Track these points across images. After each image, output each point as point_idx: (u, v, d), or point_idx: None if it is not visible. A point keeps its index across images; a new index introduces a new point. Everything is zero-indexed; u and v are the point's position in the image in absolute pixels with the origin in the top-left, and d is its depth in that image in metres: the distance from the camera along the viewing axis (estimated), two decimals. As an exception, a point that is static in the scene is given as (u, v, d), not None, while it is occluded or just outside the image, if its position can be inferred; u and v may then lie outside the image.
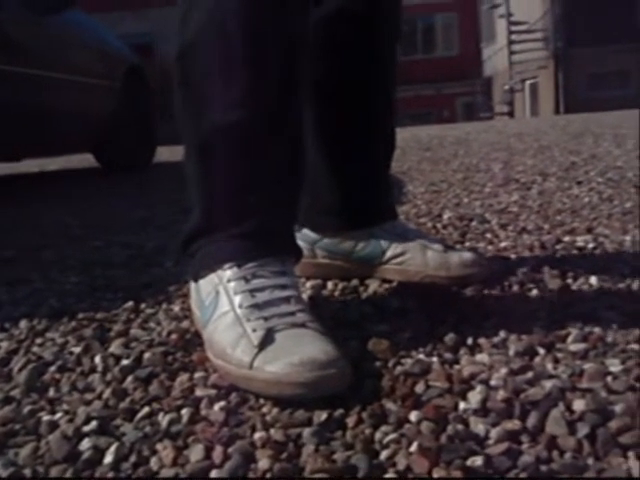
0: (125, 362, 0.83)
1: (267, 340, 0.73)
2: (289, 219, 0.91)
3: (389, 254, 1.09)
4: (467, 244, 1.39)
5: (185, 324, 0.96)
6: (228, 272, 0.81)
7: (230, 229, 0.83)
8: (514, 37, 17.93)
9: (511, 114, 18.32)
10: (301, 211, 1.06)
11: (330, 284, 1.11)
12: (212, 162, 0.85)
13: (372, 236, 1.11)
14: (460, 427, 0.62)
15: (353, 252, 1.12)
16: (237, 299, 0.78)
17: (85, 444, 0.65)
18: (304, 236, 1.14)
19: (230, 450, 0.61)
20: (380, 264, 1.10)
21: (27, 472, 0.61)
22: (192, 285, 0.89)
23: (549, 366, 0.74)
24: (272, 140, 0.85)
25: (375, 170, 1.15)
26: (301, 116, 0.89)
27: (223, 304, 0.79)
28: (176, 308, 1.05)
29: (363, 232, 1.11)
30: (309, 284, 1.12)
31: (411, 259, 1.07)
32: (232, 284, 0.79)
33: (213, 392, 0.73)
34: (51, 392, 0.78)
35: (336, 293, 1.07)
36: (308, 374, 0.68)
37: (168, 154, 4.74)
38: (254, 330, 0.74)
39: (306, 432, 0.63)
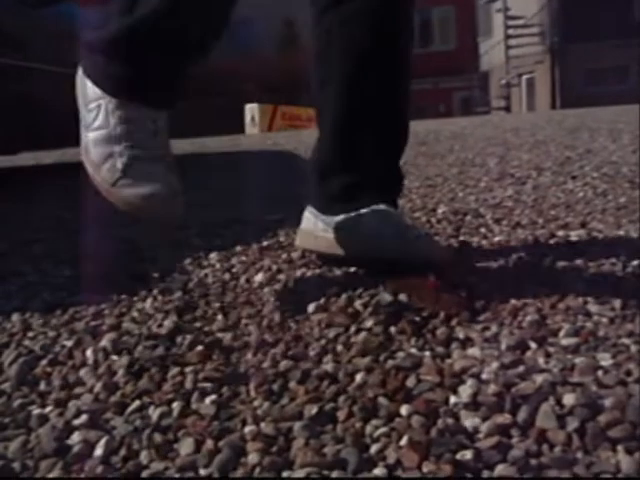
0: (116, 356, 0.83)
1: (128, 168, 0.90)
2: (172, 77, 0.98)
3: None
4: (461, 238, 1.39)
5: (176, 318, 0.96)
6: (115, 98, 0.92)
7: (129, 64, 0.92)
8: (511, 32, 17.93)
9: (507, 109, 18.33)
10: (311, 192, 1.20)
11: (324, 277, 1.11)
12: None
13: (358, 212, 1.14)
14: (450, 421, 0.62)
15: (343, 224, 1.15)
16: (113, 121, 0.92)
17: (75, 438, 0.65)
18: (311, 210, 1.20)
19: (220, 444, 0.61)
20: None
21: (16, 465, 0.61)
22: (80, 75, 0.98)
23: (540, 360, 0.74)
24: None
25: (386, 160, 1.18)
26: None
27: (101, 118, 0.93)
28: (168, 302, 1.05)
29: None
30: (302, 279, 1.12)
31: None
32: (111, 106, 0.92)
33: (204, 386, 0.73)
34: (42, 386, 0.78)
35: (329, 286, 1.07)
36: (151, 202, 0.88)
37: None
38: (120, 155, 0.91)
39: (296, 426, 0.63)
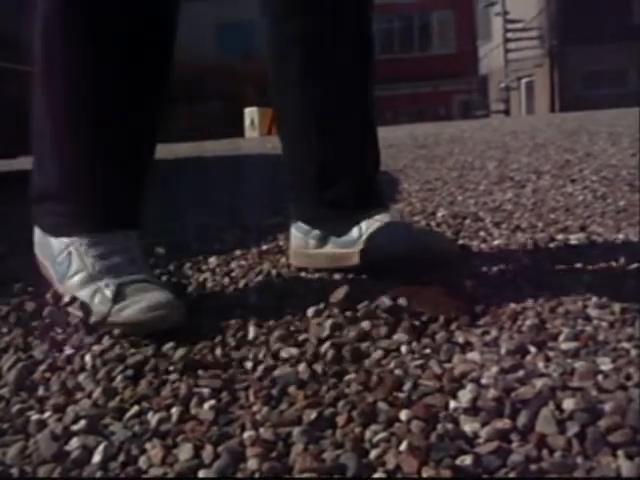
0: (115, 361, 0.82)
1: (119, 294, 0.91)
2: (130, 199, 1.04)
3: (365, 237, 1.13)
4: (460, 242, 1.39)
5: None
6: (83, 238, 0.97)
7: (81, 200, 0.99)
8: (510, 35, 17.97)
9: (507, 112, 18.35)
10: (295, 206, 1.20)
11: (323, 282, 1.11)
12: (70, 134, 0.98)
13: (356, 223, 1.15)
14: (450, 426, 0.62)
15: (340, 237, 1.15)
16: (89, 261, 0.96)
17: (73, 443, 0.64)
18: (299, 227, 1.20)
19: (219, 449, 0.61)
20: (357, 246, 1.14)
21: (15, 471, 0.61)
22: (39, 234, 1.04)
23: (540, 365, 0.74)
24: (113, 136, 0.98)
25: (362, 164, 1.18)
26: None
27: (76, 263, 0.96)
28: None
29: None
30: (301, 283, 1.12)
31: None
32: (83, 248, 0.97)
33: (203, 391, 0.72)
34: (40, 391, 0.77)
35: (328, 291, 1.07)
36: (153, 313, 0.88)
37: (161, 152, 4.73)
38: (107, 285, 0.93)
39: (295, 431, 0.63)
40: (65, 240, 0.98)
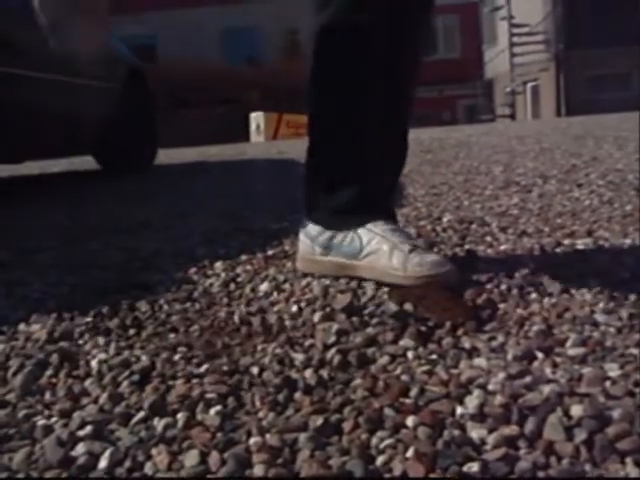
0: (121, 366, 0.82)
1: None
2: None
3: (367, 250, 1.12)
4: (467, 247, 1.38)
5: (182, 328, 0.95)
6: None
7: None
8: (515, 39, 17.94)
9: (512, 116, 18.33)
10: (307, 205, 1.22)
11: (332, 290, 1.11)
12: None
13: (355, 232, 1.15)
14: (457, 432, 0.62)
15: (341, 246, 1.16)
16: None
17: (80, 449, 0.64)
18: (306, 233, 1.21)
19: (225, 455, 0.61)
20: (360, 259, 1.13)
21: (21, 477, 0.61)
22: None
23: (547, 371, 0.73)
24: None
25: (379, 171, 1.18)
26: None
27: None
28: (172, 311, 1.05)
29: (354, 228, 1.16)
30: (307, 289, 1.11)
31: (379, 258, 1.11)
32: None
33: (209, 397, 0.72)
34: (47, 396, 0.77)
35: (336, 296, 1.06)
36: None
37: (168, 156, 4.74)
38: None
39: (302, 437, 0.63)
40: (362, 230, 1.14)
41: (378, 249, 1.11)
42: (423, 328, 0.89)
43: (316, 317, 0.95)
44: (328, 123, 1.16)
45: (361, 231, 1.14)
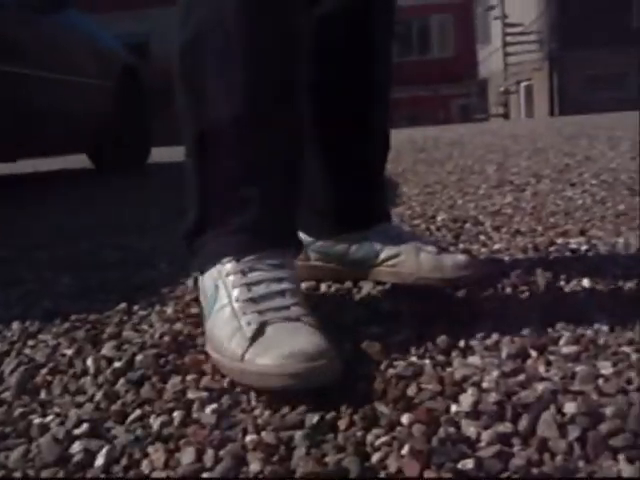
0: (117, 364, 0.83)
1: (259, 333, 0.75)
2: (288, 212, 0.91)
3: (382, 256, 1.08)
4: (461, 246, 1.39)
5: (178, 326, 0.96)
6: (227, 266, 0.83)
7: (229, 222, 0.85)
8: (509, 39, 17.99)
9: (506, 116, 18.37)
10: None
11: (323, 286, 1.11)
12: (210, 155, 0.87)
13: (365, 239, 1.10)
14: (452, 430, 0.62)
15: (347, 255, 1.11)
16: (235, 293, 0.80)
17: (76, 447, 0.64)
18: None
19: (221, 453, 0.61)
20: (373, 266, 1.09)
21: (17, 475, 0.61)
22: (199, 279, 0.91)
23: (541, 368, 0.74)
24: (269, 136, 0.86)
25: (368, 172, 1.15)
26: (301, 112, 0.91)
27: (222, 298, 0.81)
28: (169, 310, 1.05)
29: (357, 235, 1.11)
30: (303, 285, 1.12)
31: (404, 261, 1.06)
32: (230, 278, 0.82)
33: (205, 395, 0.73)
34: (42, 394, 0.77)
35: (329, 295, 1.07)
36: (297, 365, 0.69)
37: (162, 155, 4.73)
38: (248, 323, 0.76)
39: (298, 435, 0.63)
40: (212, 272, 0.85)
41: (399, 252, 1.06)
42: (417, 326, 0.89)
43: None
44: None
45: (375, 242, 1.09)
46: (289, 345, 0.71)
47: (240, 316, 0.77)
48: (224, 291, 0.81)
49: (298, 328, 0.75)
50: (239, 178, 0.86)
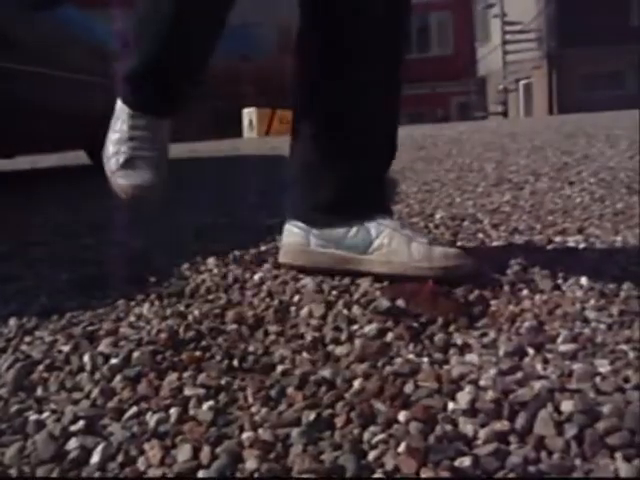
0: (114, 361, 0.82)
1: (127, 162, 1.13)
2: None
3: (377, 243, 1.11)
4: (459, 244, 1.39)
5: (175, 323, 0.95)
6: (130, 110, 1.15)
7: (147, 88, 1.13)
8: (508, 37, 17.99)
9: (505, 114, 18.37)
10: (294, 206, 1.18)
11: (322, 284, 1.11)
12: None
13: (362, 225, 1.13)
14: (449, 427, 0.62)
15: (345, 239, 1.13)
16: (124, 127, 1.15)
17: (72, 444, 0.64)
18: (296, 224, 1.18)
19: (218, 450, 0.61)
20: (367, 253, 1.11)
21: (13, 472, 0.61)
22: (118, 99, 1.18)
23: (538, 367, 0.74)
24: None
25: (369, 167, 1.16)
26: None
27: (119, 126, 1.16)
28: (166, 307, 1.05)
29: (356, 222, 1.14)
30: (300, 284, 1.12)
31: (396, 250, 1.09)
32: (126, 116, 1.15)
33: (202, 391, 0.73)
34: (39, 391, 0.77)
35: (327, 293, 1.07)
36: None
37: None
38: (124, 153, 1.14)
39: (294, 432, 0.63)
40: (124, 107, 1.16)
41: (391, 242, 1.09)
42: (415, 324, 0.89)
43: (309, 313, 0.96)
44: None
45: (369, 224, 1.12)
46: (138, 177, 1.15)
47: (122, 144, 1.16)
48: (121, 122, 1.16)
49: (147, 167, 1.15)
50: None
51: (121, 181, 1.13)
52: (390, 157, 1.21)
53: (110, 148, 1.17)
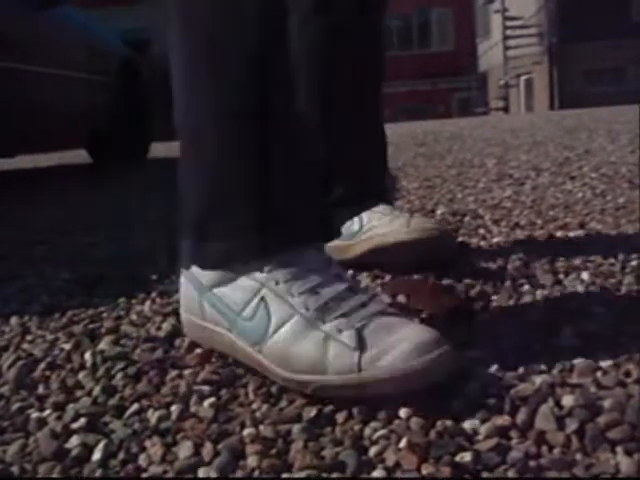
0: (115, 359, 0.82)
1: (362, 337, 0.66)
2: (309, 203, 0.79)
3: (366, 228, 1.15)
4: (460, 239, 1.39)
5: (176, 321, 0.95)
6: (273, 273, 0.71)
7: (243, 219, 0.73)
8: (509, 32, 17.96)
9: (506, 109, 18.35)
10: None
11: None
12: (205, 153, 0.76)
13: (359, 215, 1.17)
14: (449, 423, 0.62)
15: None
16: (298, 301, 0.69)
17: (73, 441, 0.64)
18: None
19: (219, 447, 0.61)
20: (357, 238, 1.15)
21: (15, 469, 0.61)
22: (188, 287, 0.79)
23: (539, 361, 0.74)
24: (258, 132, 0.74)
25: (364, 164, 1.18)
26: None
27: (277, 311, 0.70)
28: (167, 305, 1.05)
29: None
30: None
31: (380, 226, 1.14)
32: (281, 286, 0.70)
33: (203, 388, 0.73)
34: (40, 389, 0.77)
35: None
36: (426, 357, 0.63)
37: (163, 150, 4.73)
38: (340, 330, 0.67)
39: (295, 428, 0.63)
40: (245, 282, 0.73)
41: (379, 222, 1.14)
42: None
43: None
44: None
45: (364, 214, 1.16)
46: (403, 340, 0.64)
47: (321, 325, 0.68)
48: (275, 303, 0.70)
49: (393, 323, 0.68)
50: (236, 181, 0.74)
51: (385, 363, 0.64)
52: (385, 147, 1.24)
53: (301, 348, 0.68)
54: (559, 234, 1.37)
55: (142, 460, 0.61)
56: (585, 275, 1.04)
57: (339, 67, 1.13)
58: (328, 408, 0.66)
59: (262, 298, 0.71)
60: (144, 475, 0.59)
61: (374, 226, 1.15)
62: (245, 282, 0.73)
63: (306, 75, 1.14)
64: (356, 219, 1.17)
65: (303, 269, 0.71)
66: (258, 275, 0.72)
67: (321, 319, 0.68)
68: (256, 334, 0.71)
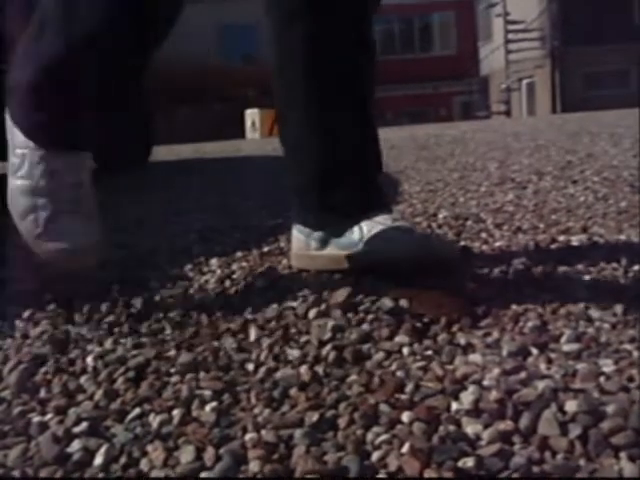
0: (116, 363, 0.82)
1: (51, 220, 0.94)
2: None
3: (366, 239, 1.12)
4: (462, 243, 1.39)
5: (176, 324, 0.95)
6: (38, 150, 0.94)
7: (52, 107, 0.94)
8: (511, 36, 17.98)
9: (508, 113, 18.36)
10: (295, 209, 1.20)
11: (325, 284, 1.11)
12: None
13: (358, 224, 1.14)
14: (452, 428, 0.62)
15: (340, 239, 1.15)
16: (36, 173, 0.94)
17: (75, 445, 0.64)
18: (300, 229, 1.19)
19: (221, 451, 0.61)
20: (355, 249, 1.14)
21: (16, 473, 0.61)
22: (9, 119, 0.97)
23: (542, 366, 0.74)
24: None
25: (361, 166, 1.18)
26: None
27: (26, 169, 0.94)
28: (168, 308, 1.05)
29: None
30: (301, 294, 1.12)
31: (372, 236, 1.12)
32: (36, 158, 0.94)
33: (204, 393, 0.72)
34: (42, 393, 0.77)
35: (330, 292, 1.06)
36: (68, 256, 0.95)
37: (164, 154, 4.73)
38: (43, 208, 0.93)
39: (297, 433, 0.63)
40: (25, 140, 0.95)
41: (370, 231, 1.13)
42: (418, 324, 0.89)
43: (311, 313, 0.95)
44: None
45: (363, 223, 1.13)
46: (67, 242, 0.96)
47: (37, 196, 0.94)
48: (28, 165, 0.94)
49: (76, 224, 0.97)
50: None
51: (47, 245, 0.95)
52: (379, 156, 1.22)
53: (20, 201, 0.95)
54: (561, 238, 1.37)
55: (144, 465, 0.61)
56: (588, 279, 1.04)
57: (321, 73, 1.12)
58: (330, 413, 0.66)
59: (24, 155, 0.94)
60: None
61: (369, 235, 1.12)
62: (22, 137, 0.95)
63: (286, 83, 1.14)
64: (356, 228, 1.14)
65: (57, 162, 0.96)
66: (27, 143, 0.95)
67: (40, 194, 0.96)
68: (14, 166, 0.96)
